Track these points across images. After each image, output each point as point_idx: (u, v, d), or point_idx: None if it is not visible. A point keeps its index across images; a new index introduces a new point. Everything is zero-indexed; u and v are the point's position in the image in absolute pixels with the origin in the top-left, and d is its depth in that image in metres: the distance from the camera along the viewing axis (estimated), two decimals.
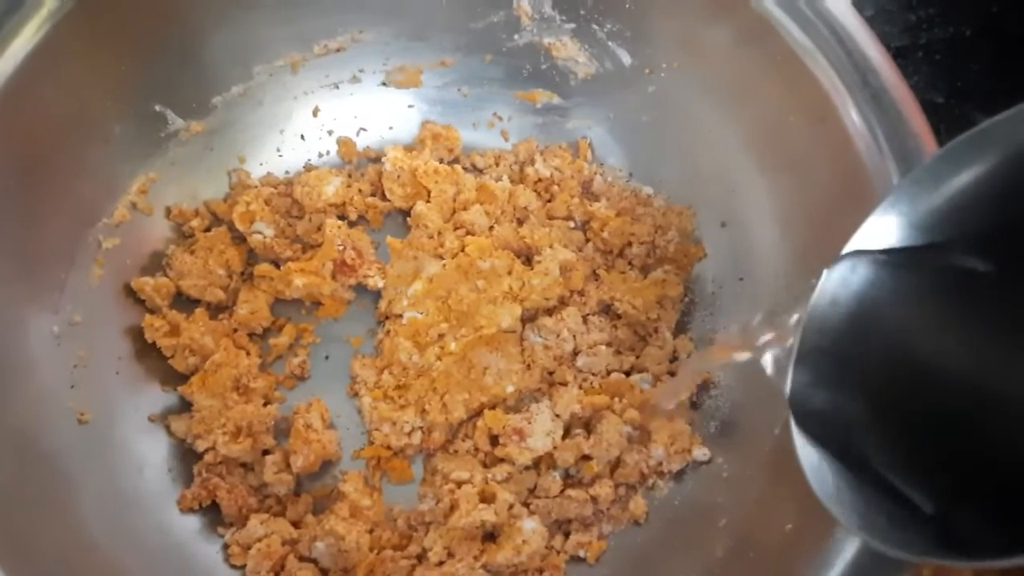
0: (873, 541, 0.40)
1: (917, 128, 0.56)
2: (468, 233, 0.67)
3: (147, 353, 0.64)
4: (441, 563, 0.59)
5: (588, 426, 0.64)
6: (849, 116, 0.56)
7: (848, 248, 0.46)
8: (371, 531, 0.61)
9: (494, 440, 0.63)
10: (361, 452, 0.64)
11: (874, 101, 0.56)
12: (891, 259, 0.44)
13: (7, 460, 0.52)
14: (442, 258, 0.66)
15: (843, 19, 0.58)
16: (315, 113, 0.71)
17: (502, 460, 0.62)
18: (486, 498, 0.60)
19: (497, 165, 0.72)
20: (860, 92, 0.56)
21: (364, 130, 0.72)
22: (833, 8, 0.58)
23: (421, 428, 0.63)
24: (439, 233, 0.67)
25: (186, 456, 0.62)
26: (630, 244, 0.69)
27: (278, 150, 0.71)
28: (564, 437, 0.63)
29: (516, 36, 0.69)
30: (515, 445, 0.62)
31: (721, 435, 0.63)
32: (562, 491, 0.62)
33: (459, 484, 0.61)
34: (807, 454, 0.44)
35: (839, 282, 0.45)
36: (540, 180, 0.71)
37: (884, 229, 0.45)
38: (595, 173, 0.72)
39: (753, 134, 0.64)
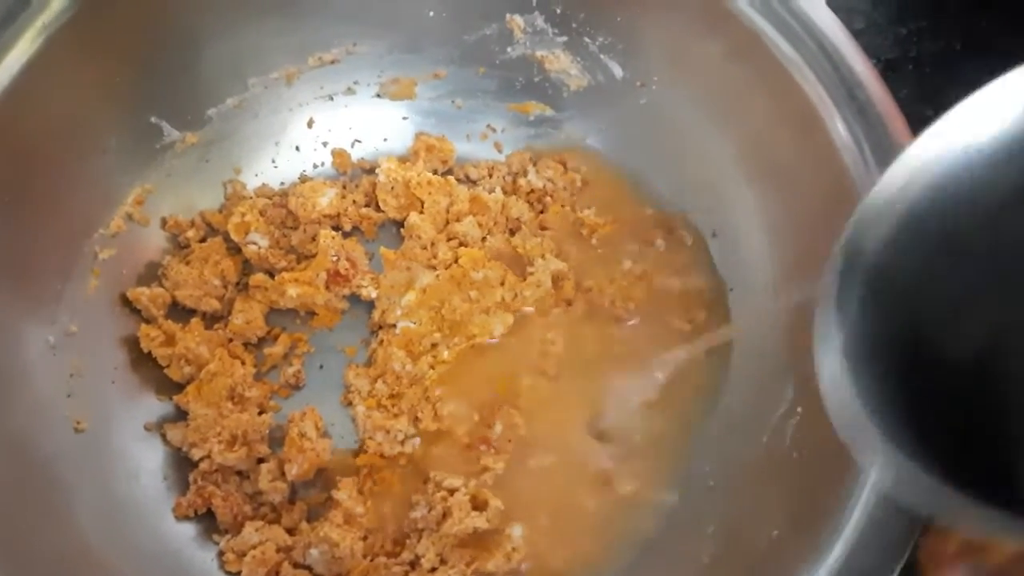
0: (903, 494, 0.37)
1: (902, 141, 0.56)
2: (461, 244, 0.68)
3: (143, 363, 0.64)
4: (433, 570, 0.60)
5: None
6: (836, 129, 0.57)
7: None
8: (364, 538, 0.61)
9: (470, 448, 0.64)
10: (356, 460, 0.64)
11: (860, 115, 0.57)
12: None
13: (3, 469, 0.53)
14: (435, 269, 0.67)
15: (830, 33, 0.58)
16: (310, 124, 0.72)
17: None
18: (478, 505, 0.61)
19: (490, 176, 0.72)
20: (846, 106, 0.57)
21: (359, 141, 0.73)
22: (820, 23, 0.58)
23: (414, 436, 0.64)
24: (432, 244, 0.68)
25: (181, 464, 0.63)
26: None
27: (273, 161, 0.71)
28: None
29: (509, 49, 0.70)
30: (487, 455, 0.63)
31: (709, 443, 0.64)
32: None
33: (451, 492, 0.62)
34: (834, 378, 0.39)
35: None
36: (533, 191, 0.72)
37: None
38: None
39: (742, 146, 0.65)
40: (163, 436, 0.64)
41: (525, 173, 0.72)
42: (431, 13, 0.68)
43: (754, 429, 0.60)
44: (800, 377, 0.59)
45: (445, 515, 0.61)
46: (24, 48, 0.54)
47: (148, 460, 0.63)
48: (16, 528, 0.52)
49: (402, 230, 0.69)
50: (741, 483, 0.59)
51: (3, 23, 0.54)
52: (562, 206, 0.71)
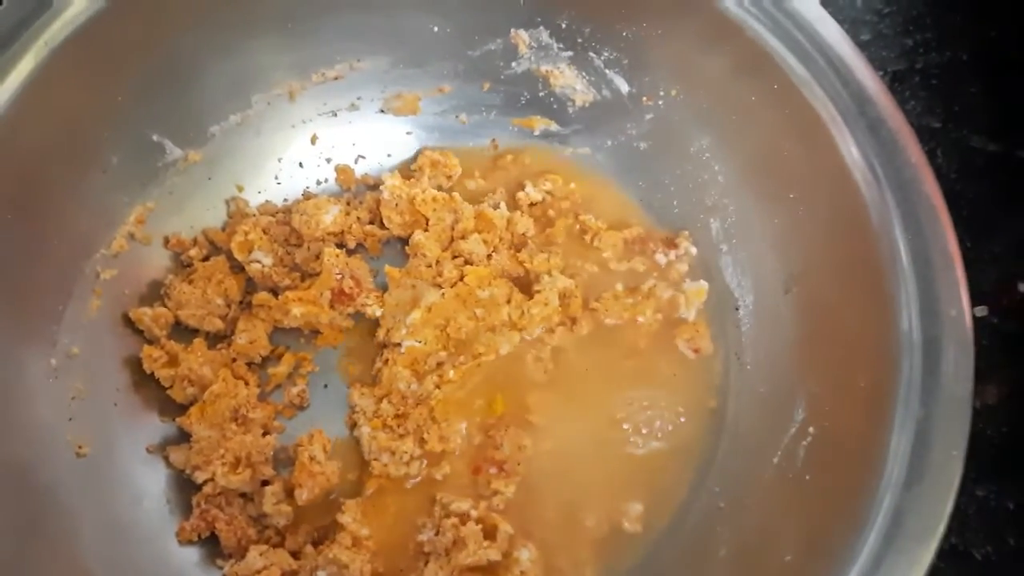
0: None
1: (913, 158, 0.56)
2: (467, 262, 0.67)
3: (145, 384, 0.63)
4: None
5: None
6: (846, 145, 0.57)
7: None
8: (370, 561, 0.60)
9: (476, 470, 0.63)
10: (365, 483, 0.63)
11: (870, 131, 0.56)
12: None
13: (5, 494, 0.52)
14: (441, 287, 0.66)
15: (839, 49, 0.58)
16: (313, 141, 0.71)
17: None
18: (488, 532, 0.60)
19: (494, 192, 0.72)
20: (856, 122, 0.57)
21: (362, 157, 0.72)
22: (828, 38, 0.58)
23: (420, 458, 0.63)
24: (437, 262, 0.67)
25: (185, 487, 0.62)
26: None
27: (276, 178, 0.71)
28: None
29: (514, 64, 0.69)
30: (497, 478, 0.62)
31: (717, 463, 0.63)
32: None
33: (461, 519, 0.61)
34: None
35: None
36: (534, 204, 0.71)
37: None
38: None
39: (751, 162, 0.65)
40: (166, 459, 0.63)
41: (522, 187, 0.71)
42: (435, 28, 0.67)
43: (764, 449, 0.59)
44: (811, 397, 0.58)
45: (456, 543, 0.60)
46: (26, 67, 0.53)
47: (151, 483, 0.62)
48: (17, 555, 0.51)
49: (407, 248, 0.68)
50: (752, 505, 0.59)
51: (6, 42, 0.53)
52: (567, 219, 0.71)
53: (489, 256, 0.68)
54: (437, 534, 0.61)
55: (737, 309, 0.66)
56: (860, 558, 0.48)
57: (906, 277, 0.54)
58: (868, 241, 0.56)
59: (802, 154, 0.60)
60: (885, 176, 0.56)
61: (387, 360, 0.65)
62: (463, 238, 0.68)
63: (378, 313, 0.66)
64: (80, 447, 0.58)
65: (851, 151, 0.56)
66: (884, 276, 0.55)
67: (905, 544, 0.48)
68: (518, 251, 0.69)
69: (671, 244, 0.69)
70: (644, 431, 0.65)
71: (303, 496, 0.60)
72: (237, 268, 0.67)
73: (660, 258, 0.70)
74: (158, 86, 0.61)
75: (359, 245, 0.70)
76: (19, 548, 0.52)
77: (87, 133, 0.59)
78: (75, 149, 0.59)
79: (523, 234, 0.70)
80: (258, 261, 0.66)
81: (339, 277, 0.65)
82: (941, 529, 0.48)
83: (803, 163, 0.60)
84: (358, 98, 0.71)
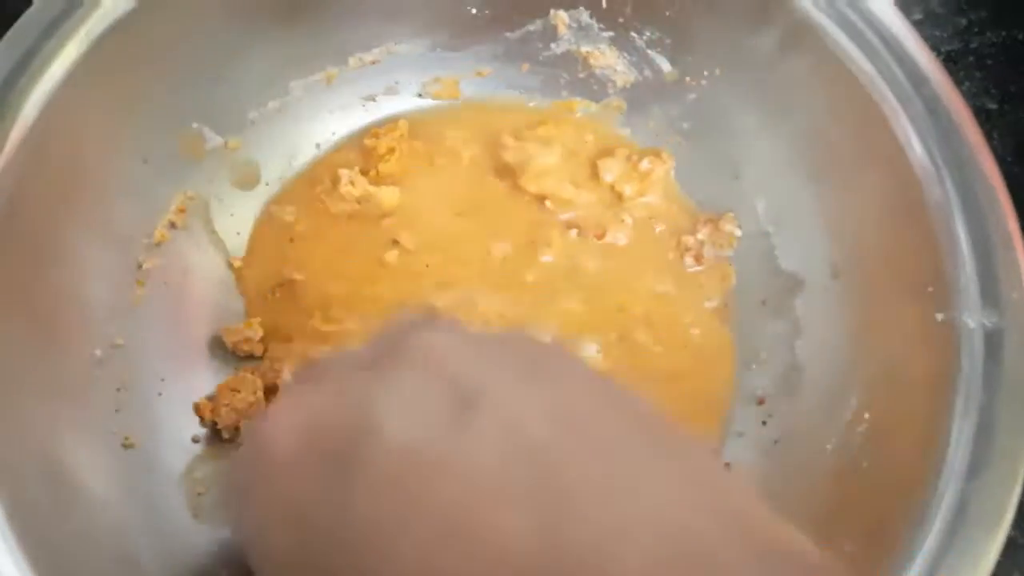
0: None
1: (971, 137, 0.54)
2: None
3: None
4: None
5: None
6: (900, 125, 0.55)
7: None
8: None
9: None
10: None
11: (926, 110, 0.55)
12: None
13: (50, 490, 0.51)
14: None
15: (890, 25, 0.56)
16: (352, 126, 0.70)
17: None
18: None
19: None
20: (910, 101, 0.55)
21: None
22: (879, 13, 0.56)
23: None
24: None
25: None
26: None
27: None
28: None
29: (553, 45, 0.68)
30: None
31: (770, 451, 0.62)
32: None
33: None
34: None
35: None
36: None
37: None
38: None
39: (798, 142, 0.63)
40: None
41: None
42: (473, 11, 0.66)
43: (818, 436, 0.58)
44: (865, 384, 0.57)
45: None
46: (65, 60, 0.52)
47: (197, 473, 0.61)
48: (62, 552, 0.51)
49: None
50: (806, 494, 0.57)
51: (47, 32, 0.52)
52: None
53: None
54: None
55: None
56: (923, 548, 0.47)
57: (965, 260, 0.52)
58: (924, 223, 0.54)
59: (852, 133, 0.59)
60: (942, 156, 0.54)
61: None
62: None
63: None
64: (127, 438, 0.58)
65: (905, 130, 0.55)
66: (942, 259, 0.53)
67: (970, 533, 0.47)
68: None
69: (715, 226, 0.68)
70: None
71: None
72: None
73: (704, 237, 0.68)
74: (197, 74, 0.61)
75: None
76: (64, 544, 0.51)
77: (127, 124, 0.58)
78: (116, 140, 0.58)
79: None
80: None
81: None
82: (1008, 519, 0.47)
83: (853, 142, 0.59)
84: (396, 82, 0.70)
